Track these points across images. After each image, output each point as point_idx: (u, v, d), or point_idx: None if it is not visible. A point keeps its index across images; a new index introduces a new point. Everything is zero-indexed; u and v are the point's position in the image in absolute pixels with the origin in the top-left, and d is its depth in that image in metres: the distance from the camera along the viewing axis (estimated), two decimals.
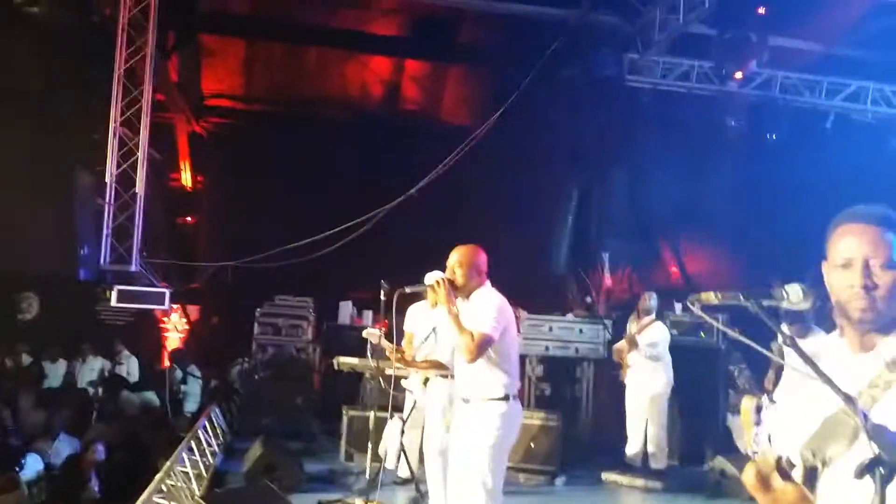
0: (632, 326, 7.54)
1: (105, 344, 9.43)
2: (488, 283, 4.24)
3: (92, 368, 9.29)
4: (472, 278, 4.17)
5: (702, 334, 8.51)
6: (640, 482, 7.13)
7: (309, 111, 13.59)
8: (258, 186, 12.15)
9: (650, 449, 7.32)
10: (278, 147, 12.33)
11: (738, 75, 10.19)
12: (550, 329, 8.66)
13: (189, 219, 13.50)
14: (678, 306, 8.63)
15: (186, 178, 13.50)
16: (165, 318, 10.67)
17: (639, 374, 7.32)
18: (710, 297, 1.80)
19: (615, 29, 10.54)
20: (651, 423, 7.28)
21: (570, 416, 8.34)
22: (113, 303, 8.26)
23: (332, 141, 12.52)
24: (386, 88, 14.07)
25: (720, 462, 6.65)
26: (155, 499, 4.97)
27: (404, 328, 6.09)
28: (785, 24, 9.98)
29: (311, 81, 13.63)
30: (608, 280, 9.61)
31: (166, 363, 10.10)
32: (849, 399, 1.49)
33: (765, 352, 1.81)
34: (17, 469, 6.21)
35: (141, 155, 9.22)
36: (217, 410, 8.02)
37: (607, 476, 7.26)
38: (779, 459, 1.69)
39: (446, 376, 5.29)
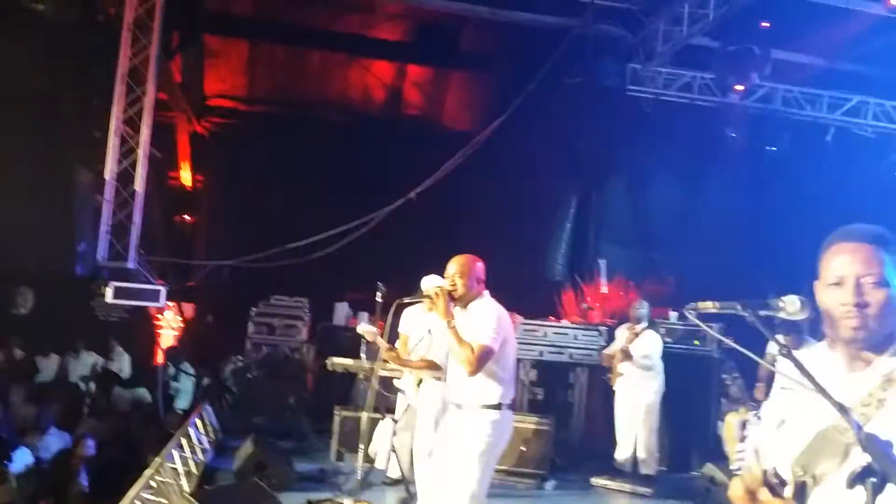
0: (623, 334, 7.56)
1: (98, 340, 9.42)
2: (487, 293, 4.23)
3: (84, 364, 9.28)
4: (471, 289, 4.17)
5: (696, 342, 8.52)
6: (629, 487, 7.15)
7: (310, 114, 13.61)
8: (257, 187, 12.16)
9: (640, 454, 7.34)
10: (279, 149, 12.35)
11: (739, 88, 10.22)
12: (545, 334, 8.68)
13: (187, 218, 13.50)
14: (673, 315, 8.64)
15: (186, 177, 13.51)
16: (160, 316, 10.65)
17: (631, 382, 7.34)
18: (708, 305, 1.82)
19: (618, 39, 10.58)
20: (641, 429, 7.31)
21: (563, 420, 8.35)
22: (109, 299, 8.25)
23: (332, 144, 12.54)
24: (388, 93, 14.11)
25: (710, 469, 6.65)
26: (144, 495, 4.96)
27: (399, 330, 6.09)
28: (787, 38, 10.02)
29: (314, 84, 13.67)
30: (604, 287, 9.62)
31: (160, 360, 10.09)
32: (843, 409, 1.49)
33: (759, 360, 1.82)
34: (7, 462, 6.19)
35: (141, 153, 9.22)
36: (209, 408, 8.01)
37: (597, 481, 7.28)
38: (765, 474, 1.69)
39: (440, 378, 5.29)
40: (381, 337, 6.08)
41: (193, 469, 6.18)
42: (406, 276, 6.26)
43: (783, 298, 1.72)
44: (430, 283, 5.47)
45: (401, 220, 10.09)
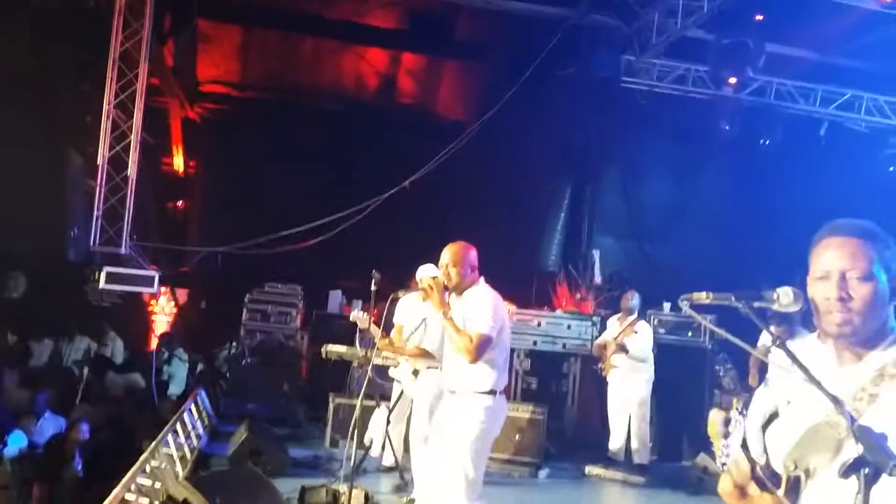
0: (615, 325, 7.63)
1: (92, 325, 9.39)
2: (482, 279, 4.25)
3: (78, 349, 9.25)
4: (465, 276, 4.19)
5: (689, 334, 8.58)
6: (622, 476, 7.21)
7: (303, 101, 13.54)
8: (250, 173, 12.12)
9: (633, 444, 7.41)
10: (271, 135, 12.30)
11: (732, 81, 10.24)
12: (539, 324, 8.72)
13: (180, 203, 13.44)
14: (666, 305, 8.70)
15: (179, 162, 13.43)
16: (153, 302, 10.62)
17: (624, 374, 7.42)
18: (702, 296, 1.83)
19: (613, 30, 10.57)
20: (634, 420, 7.38)
21: (556, 410, 8.41)
22: (101, 284, 8.22)
23: (325, 131, 12.50)
24: (381, 81, 14.05)
25: (703, 459, 6.73)
26: (139, 479, 4.97)
27: (394, 320, 6.11)
28: (781, 32, 10.04)
29: (307, 71, 13.60)
30: (598, 277, 9.67)
31: (153, 346, 10.07)
32: (836, 401, 1.51)
33: (752, 351, 1.84)
34: (0, 446, 6.19)
35: (133, 138, 9.18)
36: (203, 394, 8.01)
37: (590, 470, 7.34)
38: (754, 469, 1.71)
39: (435, 367, 5.32)
40: (376, 325, 6.11)
41: (188, 454, 6.19)
42: (400, 265, 6.29)
43: (777, 290, 1.73)
44: (425, 272, 5.50)
45: (394, 209, 10.09)
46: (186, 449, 6.22)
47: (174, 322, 10.98)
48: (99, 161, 9.06)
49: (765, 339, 6.45)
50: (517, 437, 7.02)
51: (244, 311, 9.29)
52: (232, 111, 13.73)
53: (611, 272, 9.92)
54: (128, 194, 9.03)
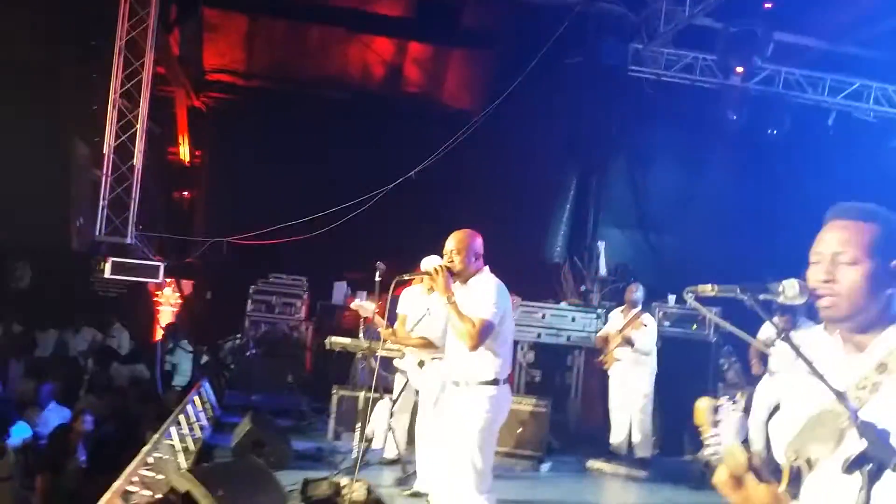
0: (618, 317, 7.60)
1: (97, 315, 9.43)
2: (486, 267, 4.24)
3: (83, 339, 9.29)
4: (470, 263, 4.18)
5: (693, 326, 8.54)
6: (624, 470, 7.19)
7: (310, 90, 13.52)
8: (256, 163, 12.11)
9: (635, 438, 7.39)
10: (277, 125, 12.29)
11: (739, 70, 10.14)
12: (543, 316, 8.69)
13: (186, 193, 13.45)
14: (671, 298, 8.65)
15: (185, 152, 13.44)
16: (158, 292, 10.65)
17: (626, 367, 7.39)
18: (707, 289, 1.81)
19: (621, 18, 10.47)
20: (636, 413, 7.35)
21: (560, 403, 8.39)
22: (106, 274, 8.25)
23: (331, 121, 12.47)
24: (388, 70, 14.00)
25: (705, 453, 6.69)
26: (141, 471, 4.99)
27: (398, 311, 6.10)
28: (790, 20, 9.93)
29: (313, 60, 13.55)
30: (603, 269, 9.63)
31: (158, 337, 10.11)
32: (840, 395, 1.49)
33: (753, 342, 1.82)
34: (4, 437, 6.22)
35: (140, 127, 9.18)
36: (207, 385, 8.03)
37: (592, 464, 7.32)
38: (750, 459, 1.69)
39: (442, 358, 5.31)
40: (381, 316, 6.10)
41: (191, 446, 6.21)
42: (405, 256, 6.27)
43: (782, 283, 1.71)
44: (430, 263, 5.48)
45: (400, 199, 10.06)
46: (190, 440, 6.24)
47: (179, 313, 11.01)
48: (105, 150, 9.07)
49: (766, 330, 6.46)
50: (520, 429, 7.01)
51: (249, 301, 9.30)
52: (238, 100, 13.72)
53: (616, 264, 9.87)
54: (133, 184, 9.04)
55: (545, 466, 7.09)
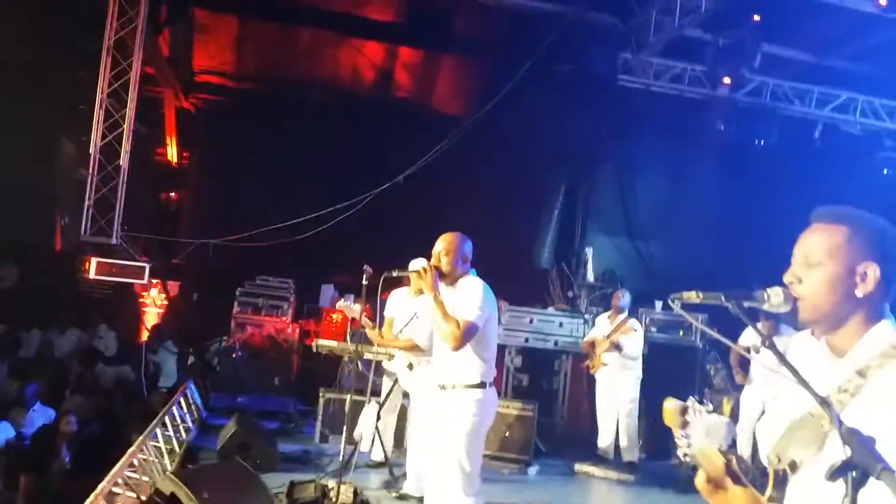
0: (604, 322, 7.64)
1: (83, 316, 9.35)
2: (473, 271, 4.25)
3: (69, 340, 9.20)
4: (457, 266, 4.19)
5: (680, 332, 8.59)
6: (611, 474, 7.22)
7: (299, 93, 13.47)
8: (244, 165, 12.05)
9: (622, 442, 7.42)
10: (266, 127, 12.23)
11: (727, 80, 10.23)
12: (531, 321, 8.71)
13: (173, 194, 13.36)
14: (658, 304, 8.70)
15: (172, 153, 13.36)
16: (144, 293, 10.57)
17: (613, 372, 7.43)
18: (692, 296, 1.82)
19: (610, 28, 10.54)
20: (623, 417, 7.39)
21: (547, 407, 8.41)
22: (91, 275, 8.18)
23: (320, 124, 12.44)
24: (378, 74, 13.98)
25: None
26: (126, 473, 4.95)
27: (384, 313, 6.10)
28: (779, 32, 10.03)
29: (303, 63, 13.52)
30: (591, 275, 9.67)
31: (144, 338, 10.04)
32: (824, 402, 1.50)
33: (741, 350, 1.84)
34: None
35: (127, 128, 9.12)
36: (192, 387, 7.98)
37: (580, 467, 7.34)
38: (728, 463, 1.71)
39: (431, 361, 5.31)
40: (368, 318, 6.09)
41: (176, 448, 6.17)
42: (393, 260, 6.25)
43: (767, 290, 1.72)
44: (417, 266, 5.48)
45: (389, 203, 10.06)
46: (175, 442, 6.20)
47: (165, 314, 10.92)
48: (91, 150, 9.01)
49: (747, 336, 6.52)
50: (506, 433, 7.02)
51: (235, 303, 9.26)
52: (227, 102, 13.64)
53: (603, 270, 9.92)
54: (119, 184, 8.98)
55: (532, 470, 7.10)
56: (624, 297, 7.56)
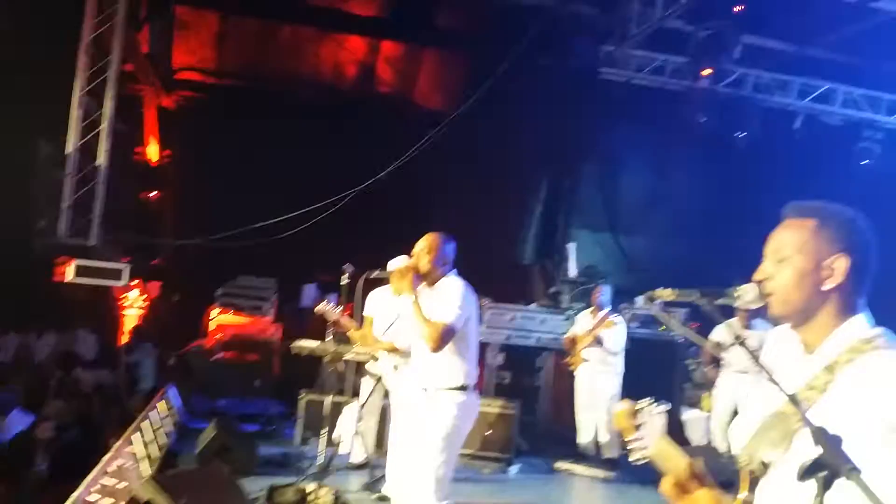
0: (586, 319, 7.64)
1: (62, 319, 9.26)
2: (454, 272, 4.22)
3: (48, 343, 9.11)
4: (438, 266, 4.16)
5: (661, 327, 8.60)
6: (592, 471, 7.23)
7: (281, 89, 13.38)
8: (226, 163, 11.94)
9: (602, 439, 7.42)
10: (249, 124, 12.13)
11: (707, 72, 10.21)
12: (513, 318, 8.70)
13: (154, 194, 13.25)
14: (639, 299, 8.70)
15: (153, 152, 13.24)
16: (124, 295, 10.48)
17: (594, 368, 7.43)
18: (667, 293, 1.84)
19: (592, 20, 10.50)
20: (603, 413, 7.39)
21: (529, 404, 8.41)
22: (69, 277, 8.09)
23: (303, 120, 12.35)
24: (360, 69, 13.91)
25: None
26: (103, 480, 4.90)
27: (364, 313, 6.07)
28: (759, 23, 10.02)
29: (285, 59, 13.43)
30: (573, 271, 9.65)
31: (124, 340, 9.95)
32: (794, 400, 1.50)
33: (705, 344, 1.85)
34: None
35: (105, 126, 9.02)
36: (173, 390, 7.93)
37: (560, 465, 7.35)
38: (690, 465, 1.71)
39: None
40: (349, 319, 6.06)
41: (155, 452, 6.11)
42: (376, 257, 6.22)
43: (739, 287, 1.73)
44: (397, 264, 5.45)
45: (372, 200, 10.00)
46: (154, 447, 6.14)
47: (145, 315, 10.84)
48: (69, 150, 8.90)
49: (720, 331, 6.54)
50: (488, 432, 7.01)
51: (216, 304, 9.19)
52: (208, 100, 13.53)
53: (586, 266, 9.90)
54: (98, 184, 8.88)
55: (513, 468, 7.10)
56: (604, 293, 7.55)
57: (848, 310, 1.67)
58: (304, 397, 7.30)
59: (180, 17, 12.75)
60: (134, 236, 10.51)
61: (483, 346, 7.68)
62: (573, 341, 7.57)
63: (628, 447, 1.82)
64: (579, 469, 7.29)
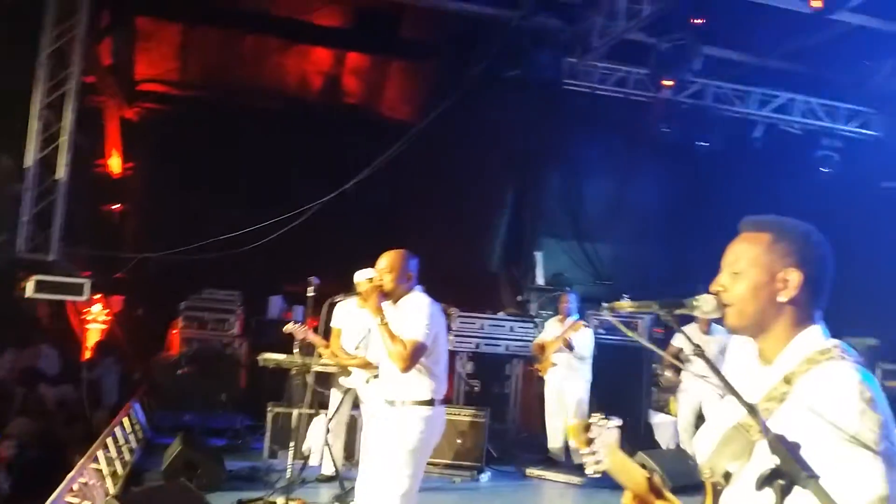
0: (554, 326, 7.70)
1: (22, 335, 9.05)
2: (418, 288, 4.21)
3: (8, 360, 8.89)
4: (400, 284, 4.14)
5: (629, 333, 8.67)
6: (563, 477, 7.26)
7: (245, 100, 13.27)
8: (190, 175, 11.80)
9: (572, 444, 7.46)
10: (212, 136, 12.02)
11: (668, 83, 10.39)
12: (482, 327, 8.73)
13: (116, 206, 13.04)
14: (604, 308, 8.77)
15: (115, 164, 13.05)
16: (87, 309, 10.28)
17: (562, 374, 7.49)
18: (624, 305, 1.86)
19: (556, 32, 10.62)
20: (571, 417, 7.44)
21: (499, 412, 8.43)
22: (29, 293, 7.91)
23: (267, 132, 12.28)
24: (326, 80, 13.87)
25: (641, 458, 6.81)
26: (67, 498, 4.81)
27: (331, 324, 6.06)
28: (720, 35, 10.21)
29: (249, 70, 13.33)
30: (540, 279, 9.72)
31: (86, 356, 9.76)
32: (753, 410, 1.51)
33: (664, 354, 1.87)
34: None
35: (66, 139, 8.88)
36: (137, 405, 7.80)
37: (531, 471, 7.38)
38: (650, 479, 1.73)
39: None
40: (315, 331, 6.04)
41: (120, 469, 6.01)
42: (342, 269, 6.21)
43: (698, 298, 1.74)
44: (361, 276, 5.45)
45: (338, 212, 9.97)
46: (118, 464, 6.04)
47: (109, 330, 10.64)
48: (28, 163, 8.74)
49: (678, 339, 6.61)
50: (458, 441, 7.01)
51: (180, 318, 9.06)
52: (171, 111, 13.37)
53: (553, 273, 9.98)
54: (58, 198, 8.73)
55: (484, 476, 7.11)
56: (571, 301, 7.64)
57: (803, 321, 1.70)
58: (272, 410, 7.23)
59: (142, 28, 12.60)
60: (96, 250, 10.32)
61: (452, 355, 7.69)
62: (542, 347, 7.64)
63: (583, 461, 1.84)
64: (551, 475, 7.33)
